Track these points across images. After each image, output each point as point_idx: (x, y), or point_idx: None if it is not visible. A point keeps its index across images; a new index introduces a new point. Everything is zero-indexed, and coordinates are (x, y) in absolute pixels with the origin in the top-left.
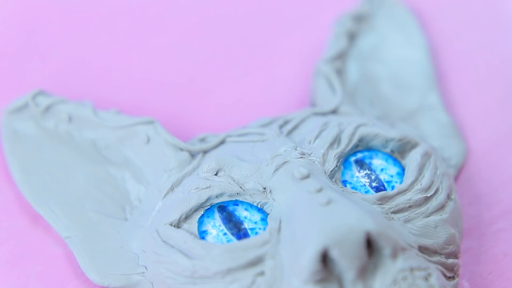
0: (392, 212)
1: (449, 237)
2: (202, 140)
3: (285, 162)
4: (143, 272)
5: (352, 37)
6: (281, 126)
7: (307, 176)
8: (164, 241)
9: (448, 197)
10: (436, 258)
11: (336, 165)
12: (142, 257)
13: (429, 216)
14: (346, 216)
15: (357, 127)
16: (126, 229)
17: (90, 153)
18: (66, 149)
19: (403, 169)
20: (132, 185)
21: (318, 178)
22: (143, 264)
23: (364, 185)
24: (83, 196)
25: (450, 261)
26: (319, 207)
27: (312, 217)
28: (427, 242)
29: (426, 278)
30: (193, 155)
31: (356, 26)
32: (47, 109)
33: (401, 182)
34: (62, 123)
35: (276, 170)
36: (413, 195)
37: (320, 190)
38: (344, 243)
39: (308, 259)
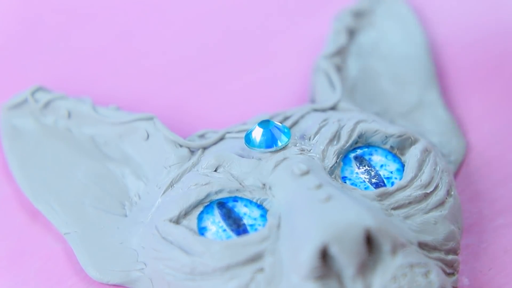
0: (391, 209)
1: (449, 234)
2: (202, 136)
3: (284, 159)
4: (143, 269)
5: (351, 33)
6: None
7: (307, 173)
8: (163, 238)
9: (448, 193)
10: (436, 254)
11: (336, 161)
12: (141, 254)
13: (428, 212)
14: (346, 213)
15: (357, 123)
16: (125, 226)
17: (90, 149)
18: (65, 145)
19: (402, 166)
20: (132, 181)
21: (318, 174)
22: (143, 260)
23: (364, 181)
24: (83, 192)
25: (450, 257)
26: (318, 203)
27: (312, 214)
28: (426, 238)
29: (425, 275)
30: (192, 151)
31: (356, 22)
32: (47, 105)
33: (400, 179)
34: (62, 119)
35: (275, 166)
36: (413, 192)
37: (319, 187)
38: (344, 240)
39: (307, 256)
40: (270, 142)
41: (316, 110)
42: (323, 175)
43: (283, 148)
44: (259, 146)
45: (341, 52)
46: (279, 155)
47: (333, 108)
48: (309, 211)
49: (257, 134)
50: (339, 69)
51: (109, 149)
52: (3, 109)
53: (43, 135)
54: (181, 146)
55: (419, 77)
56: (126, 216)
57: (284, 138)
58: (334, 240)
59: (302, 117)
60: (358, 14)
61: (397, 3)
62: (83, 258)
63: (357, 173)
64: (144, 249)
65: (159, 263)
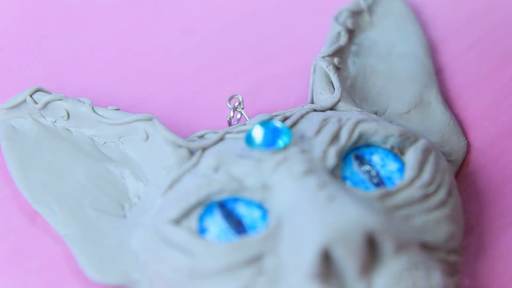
0: (393, 209)
1: (450, 234)
2: (201, 137)
3: (285, 159)
4: (142, 270)
5: (350, 32)
6: None
7: (308, 173)
8: (163, 239)
9: (449, 193)
10: (438, 255)
11: (336, 162)
12: (141, 255)
13: (430, 212)
14: (348, 213)
15: (357, 123)
16: (125, 227)
17: (89, 150)
18: (64, 146)
19: (403, 165)
20: (131, 182)
21: (319, 174)
22: (142, 261)
23: (365, 181)
24: (82, 193)
25: (452, 258)
26: (320, 204)
27: (314, 215)
28: (428, 238)
29: (428, 276)
30: (192, 152)
31: (354, 22)
32: (46, 106)
33: (401, 179)
34: (61, 120)
35: (276, 166)
36: (414, 192)
37: (320, 187)
38: (346, 241)
39: (310, 257)
40: (270, 142)
41: (315, 110)
42: (324, 175)
43: (284, 148)
44: (260, 146)
45: (340, 52)
46: (280, 155)
47: (332, 108)
48: (311, 211)
49: (258, 134)
50: (338, 68)
51: (109, 150)
52: (2, 110)
53: (42, 136)
54: (180, 146)
55: (418, 76)
56: (125, 217)
57: (285, 139)
58: (336, 241)
59: (302, 117)
60: (357, 14)
61: (396, 2)
62: (82, 259)
63: (358, 173)
64: (144, 250)
65: (159, 265)
